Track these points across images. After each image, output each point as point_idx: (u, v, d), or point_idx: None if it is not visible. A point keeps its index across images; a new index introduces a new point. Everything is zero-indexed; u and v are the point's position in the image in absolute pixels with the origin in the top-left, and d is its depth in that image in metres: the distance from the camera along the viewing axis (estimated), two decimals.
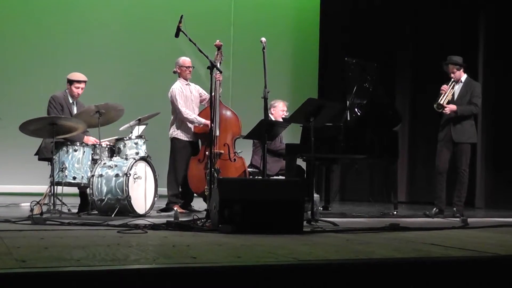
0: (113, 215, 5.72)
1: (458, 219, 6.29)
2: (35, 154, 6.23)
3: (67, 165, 5.93)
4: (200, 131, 6.74)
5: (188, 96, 6.83)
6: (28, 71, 9.65)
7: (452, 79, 7.06)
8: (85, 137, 6.26)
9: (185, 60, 6.91)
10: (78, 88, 6.35)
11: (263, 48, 5.79)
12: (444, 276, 3.12)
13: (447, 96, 6.98)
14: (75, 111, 6.33)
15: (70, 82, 6.36)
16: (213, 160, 5.83)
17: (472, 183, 8.97)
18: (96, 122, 6.02)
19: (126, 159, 6.07)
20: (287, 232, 4.42)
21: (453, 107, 6.95)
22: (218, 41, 6.71)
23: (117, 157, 6.15)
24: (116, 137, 6.41)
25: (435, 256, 3.44)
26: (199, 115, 6.80)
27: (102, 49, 9.95)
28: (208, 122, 6.47)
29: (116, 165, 5.97)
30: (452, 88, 7.06)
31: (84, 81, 6.38)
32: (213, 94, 5.63)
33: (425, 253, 3.58)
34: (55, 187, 5.75)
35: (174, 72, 6.92)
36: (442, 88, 7.05)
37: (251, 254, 3.34)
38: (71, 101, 6.38)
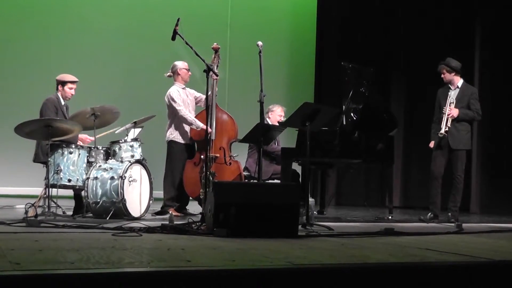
0: (108, 218, 5.71)
1: (453, 224, 6.30)
2: (34, 160, 6.19)
3: (62, 168, 5.91)
4: (197, 134, 6.73)
5: (184, 100, 6.82)
6: (23, 73, 9.63)
7: (450, 101, 6.98)
8: (79, 136, 6.26)
9: (184, 62, 6.92)
10: (72, 89, 6.32)
11: (260, 51, 5.79)
12: (439, 281, 3.12)
13: (446, 123, 6.90)
14: (66, 113, 6.31)
15: (63, 83, 6.29)
16: (209, 163, 5.81)
17: (467, 189, 8.99)
18: (91, 125, 6.03)
19: (122, 162, 6.06)
20: (282, 236, 4.42)
21: (455, 112, 6.89)
22: (215, 44, 6.70)
23: (113, 160, 6.14)
24: (112, 129, 6.44)
25: (430, 261, 3.45)
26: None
27: (98, 52, 9.94)
28: (205, 127, 6.47)
29: (111, 168, 5.96)
30: (450, 109, 6.96)
31: (76, 82, 6.37)
32: (209, 97, 5.61)
33: (419, 258, 3.58)
34: (50, 189, 5.74)
35: (169, 76, 6.91)
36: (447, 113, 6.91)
37: (246, 258, 3.34)
38: (62, 103, 6.35)
